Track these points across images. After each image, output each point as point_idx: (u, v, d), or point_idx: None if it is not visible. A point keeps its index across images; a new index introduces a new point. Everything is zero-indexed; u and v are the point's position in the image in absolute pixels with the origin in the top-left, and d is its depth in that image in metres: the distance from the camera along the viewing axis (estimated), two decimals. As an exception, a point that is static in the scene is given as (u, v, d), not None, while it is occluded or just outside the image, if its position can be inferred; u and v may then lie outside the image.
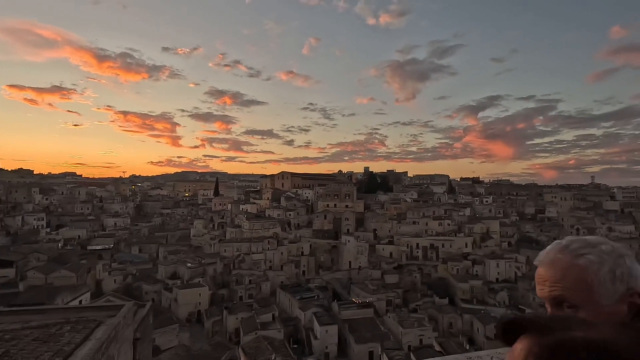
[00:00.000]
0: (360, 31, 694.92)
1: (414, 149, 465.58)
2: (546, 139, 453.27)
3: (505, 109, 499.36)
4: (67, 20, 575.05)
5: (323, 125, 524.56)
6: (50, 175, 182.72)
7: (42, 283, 58.90)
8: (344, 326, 53.49)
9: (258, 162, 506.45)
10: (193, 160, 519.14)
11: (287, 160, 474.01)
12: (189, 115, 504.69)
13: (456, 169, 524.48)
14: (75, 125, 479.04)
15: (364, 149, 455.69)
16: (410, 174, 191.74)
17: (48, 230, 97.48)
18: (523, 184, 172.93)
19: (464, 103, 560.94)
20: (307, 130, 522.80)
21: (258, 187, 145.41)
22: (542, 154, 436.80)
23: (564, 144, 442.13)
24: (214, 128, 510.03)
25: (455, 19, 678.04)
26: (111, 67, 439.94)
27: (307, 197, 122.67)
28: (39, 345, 8.81)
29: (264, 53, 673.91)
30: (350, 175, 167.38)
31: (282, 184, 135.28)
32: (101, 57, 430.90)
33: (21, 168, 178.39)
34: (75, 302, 47.79)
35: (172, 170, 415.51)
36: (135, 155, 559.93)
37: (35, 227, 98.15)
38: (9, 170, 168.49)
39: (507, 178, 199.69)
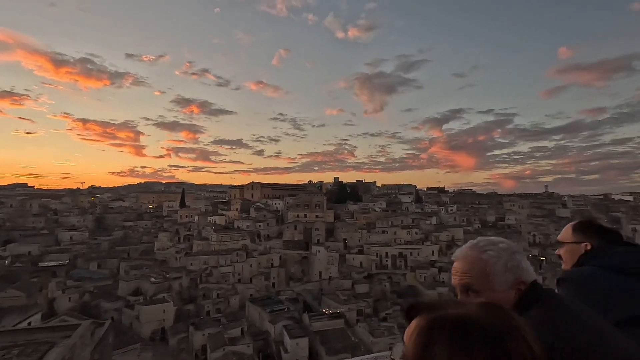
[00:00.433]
0: (329, 44, 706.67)
1: (382, 159, 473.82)
2: (504, 151, 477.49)
3: (467, 121, 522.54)
4: (20, 23, 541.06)
5: (293, 135, 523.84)
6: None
7: (-14, 304, 53.84)
8: (315, 338, 52.92)
9: (227, 173, 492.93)
10: (158, 171, 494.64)
11: (257, 170, 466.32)
12: (153, 124, 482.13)
13: (423, 178, 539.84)
14: (28, 133, 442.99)
15: (333, 159, 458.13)
16: (379, 184, 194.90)
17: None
18: (485, 193, 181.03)
19: (429, 115, 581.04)
20: (277, 141, 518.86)
21: (227, 198, 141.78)
22: (501, 165, 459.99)
23: (521, 155, 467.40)
24: (181, 137, 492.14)
25: (420, 35, 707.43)
26: (69, 73, 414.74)
27: (277, 207, 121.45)
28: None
29: (233, 63, 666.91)
30: (320, 185, 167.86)
31: (252, 195, 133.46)
32: (58, 61, 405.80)
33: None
34: (24, 324, 44.07)
35: (135, 180, 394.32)
36: (95, 165, 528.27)
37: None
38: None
39: (470, 187, 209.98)
